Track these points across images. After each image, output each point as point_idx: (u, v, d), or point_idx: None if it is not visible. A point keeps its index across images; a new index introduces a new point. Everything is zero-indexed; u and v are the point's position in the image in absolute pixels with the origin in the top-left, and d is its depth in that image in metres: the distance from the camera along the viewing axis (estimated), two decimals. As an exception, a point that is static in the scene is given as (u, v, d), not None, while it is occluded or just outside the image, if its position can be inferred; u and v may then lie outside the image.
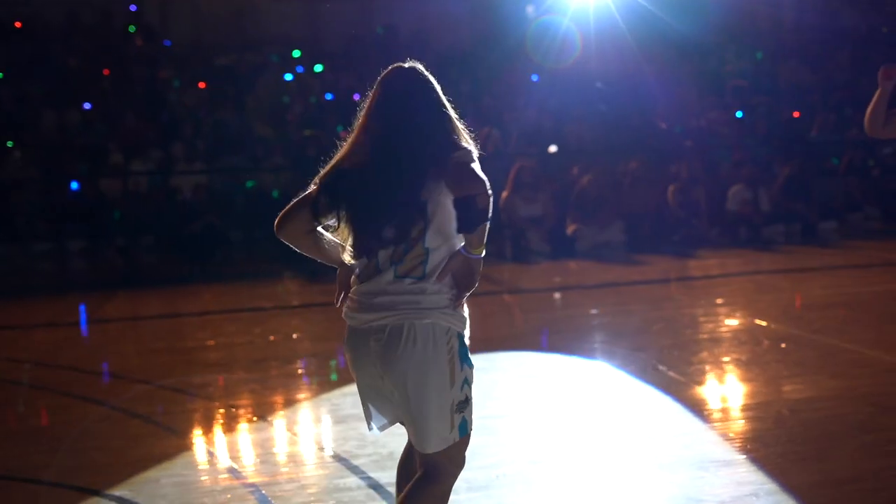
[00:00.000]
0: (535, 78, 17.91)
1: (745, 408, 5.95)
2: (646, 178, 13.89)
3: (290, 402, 6.34)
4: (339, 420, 5.84)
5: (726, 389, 6.40)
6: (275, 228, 3.28)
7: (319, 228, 3.28)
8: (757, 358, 7.06)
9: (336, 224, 3.25)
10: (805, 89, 17.68)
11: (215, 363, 7.45)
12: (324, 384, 6.85)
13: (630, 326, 8.30)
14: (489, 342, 7.55)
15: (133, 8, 19.11)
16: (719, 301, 9.38)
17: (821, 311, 8.62)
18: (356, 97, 14.54)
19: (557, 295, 10.44)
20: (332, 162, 3.28)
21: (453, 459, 3.22)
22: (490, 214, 3.11)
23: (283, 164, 14.34)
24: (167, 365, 7.40)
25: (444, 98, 3.27)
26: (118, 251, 13.19)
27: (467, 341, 3.23)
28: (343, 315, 3.30)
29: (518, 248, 12.78)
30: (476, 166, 3.11)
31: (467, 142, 3.22)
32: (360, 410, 3.44)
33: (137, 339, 8.67)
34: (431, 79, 3.29)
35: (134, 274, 12.10)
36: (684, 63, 18.78)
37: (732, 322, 8.36)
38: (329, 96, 16.67)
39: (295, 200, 3.27)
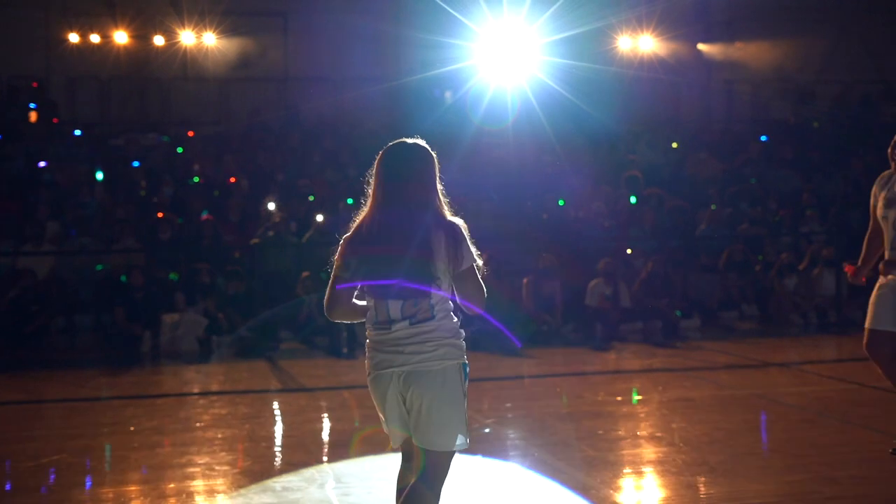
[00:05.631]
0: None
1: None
2: (502, 271, 13.30)
3: None
4: None
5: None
6: (327, 314, 4.05)
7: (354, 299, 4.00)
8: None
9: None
10: (707, 181, 17.14)
11: None
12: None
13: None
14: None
15: (38, 85, 18.94)
16: (489, 407, 8.71)
17: (573, 422, 7.94)
18: (231, 180, 14.16)
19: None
20: (351, 235, 3.97)
21: (447, 463, 3.92)
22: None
23: (135, 246, 13.86)
24: None
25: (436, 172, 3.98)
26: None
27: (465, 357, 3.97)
28: (367, 359, 4.00)
29: (353, 341, 12.14)
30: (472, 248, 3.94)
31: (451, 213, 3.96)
32: None
33: None
34: (431, 154, 3.99)
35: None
36: (595, 152, 18.36)
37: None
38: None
39: (329, 284, 3.97)
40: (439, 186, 3.98)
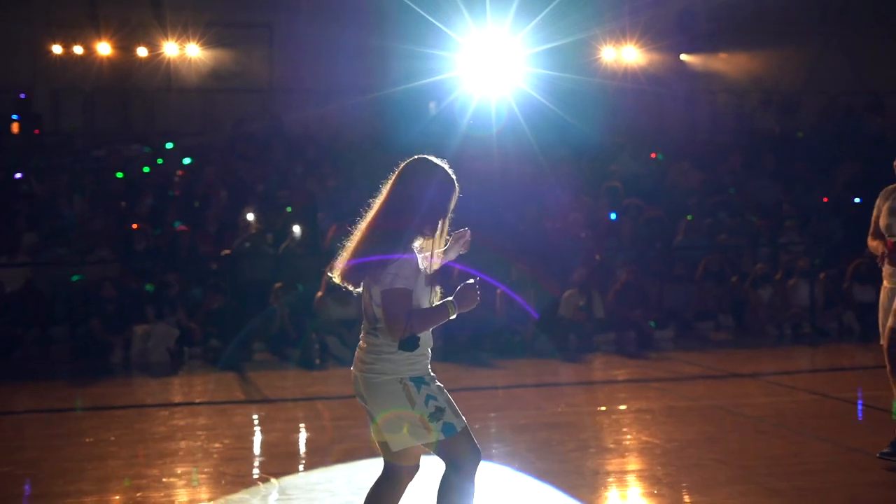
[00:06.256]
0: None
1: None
2: (476, 282, 13.27)
3: None
4: None
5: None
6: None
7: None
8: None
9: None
10: (687, 192, 17.12)
11: None
12: None
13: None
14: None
15: (22, 96, 18.99)
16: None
17: (528, 433, 7.93)
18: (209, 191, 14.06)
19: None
20: None
21: (464, 450, 4.12)
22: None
23: (110, 257, 13.86)
24: None
25: (433, 194, 4.12)
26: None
27: (418, 371, 4.09)
28: None
29: (325, 353, 12.14)
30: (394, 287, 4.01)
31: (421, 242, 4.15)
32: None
33: None
34: (432, 176, 4.15)
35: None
36: (578, 163, 18.36)
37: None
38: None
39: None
40: (447, 215, 4.17)
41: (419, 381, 4.12)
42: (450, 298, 4.12)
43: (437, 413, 4.10)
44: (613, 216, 16.14)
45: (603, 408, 9.10)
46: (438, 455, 4.18)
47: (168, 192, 16.25)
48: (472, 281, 4.15)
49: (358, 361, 4.19)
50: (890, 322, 6.61)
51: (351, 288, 4.21)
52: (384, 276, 4.02)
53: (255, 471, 7.01)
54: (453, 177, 4.22)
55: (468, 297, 4.13)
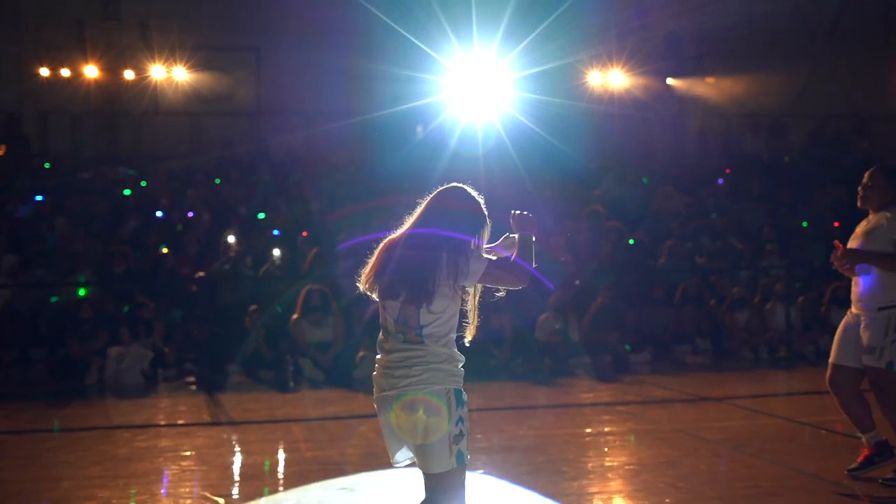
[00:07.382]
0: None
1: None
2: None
3: None
4: None
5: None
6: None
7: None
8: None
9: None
10: (670, 216, 17.16)
11: None
12: None
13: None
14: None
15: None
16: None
17: (486, 455, 7.94)
18: (190, 214, 14.21)
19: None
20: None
21: (458, 484, 4.13)
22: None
23: (89, 278, 13.90)
24: None
25: (473, 216, 4.31)
26: None
27: (459, 383, 4.16)
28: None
29: (299, 376, 12.15)
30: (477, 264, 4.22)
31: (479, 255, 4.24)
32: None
33: None
34: (472, 200, 4.35)
35: None
36: (563, 188, 18.39)
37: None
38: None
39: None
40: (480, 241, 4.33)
41: (459, 395, 4.14)
42: (513, 235, 4.42)
43: (459, 437, 4.11)
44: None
45: (572, 431, 9.09)
46: (425, 483, 4.16)
47: (151, 214, 16.29)
48: (516, 212, 4.47)
49: (397, 378, 4.10)
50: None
51: (375, 297, 4.26)
52: (475, 261, 4.20)
53: (207, 493, 7.01)
54: (485, 212, 4.41)
55: (525, 222, 4.44)
